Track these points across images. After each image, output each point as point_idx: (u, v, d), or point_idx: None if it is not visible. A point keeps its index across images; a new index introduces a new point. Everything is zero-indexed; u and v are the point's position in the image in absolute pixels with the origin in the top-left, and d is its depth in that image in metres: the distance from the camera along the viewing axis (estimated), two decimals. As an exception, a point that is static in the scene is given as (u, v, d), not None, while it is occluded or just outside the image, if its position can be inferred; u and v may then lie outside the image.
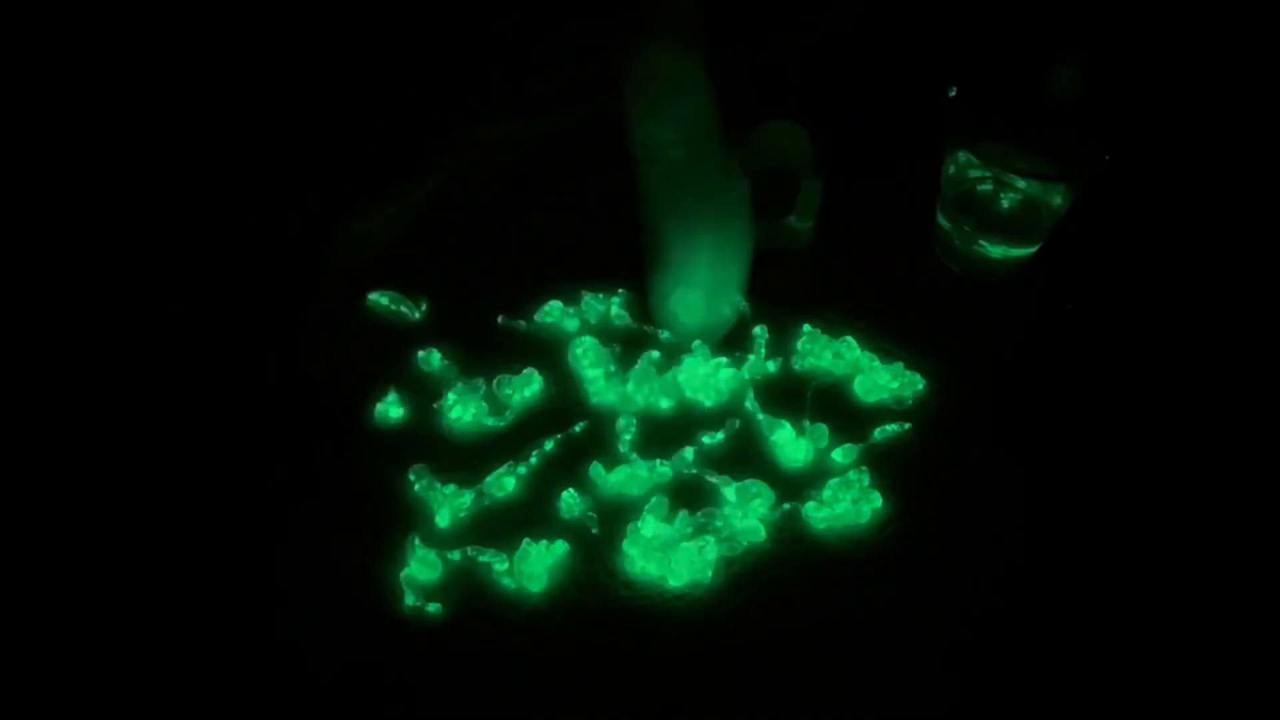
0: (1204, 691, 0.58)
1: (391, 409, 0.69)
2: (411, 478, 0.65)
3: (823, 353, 0.72)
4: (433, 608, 0.60)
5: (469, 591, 0.61)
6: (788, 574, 0.62)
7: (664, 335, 0.73)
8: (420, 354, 0.72)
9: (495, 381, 0.70)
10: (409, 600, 0.60)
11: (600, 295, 0.75)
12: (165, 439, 0.68)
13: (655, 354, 0.71)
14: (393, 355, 0.72)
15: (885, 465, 0.66)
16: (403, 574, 0.61)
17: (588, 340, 0.72)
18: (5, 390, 0.70)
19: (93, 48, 0.84)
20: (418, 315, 0.75)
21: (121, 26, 0.84)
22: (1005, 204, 0.75)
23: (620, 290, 0.75)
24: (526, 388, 0.70)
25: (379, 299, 0.75)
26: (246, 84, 0.86)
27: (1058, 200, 0.72)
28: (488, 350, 0.72)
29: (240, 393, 0.70)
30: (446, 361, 0.72)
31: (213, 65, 0.86)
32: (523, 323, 0.74)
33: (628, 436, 0.68)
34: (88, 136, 0.83)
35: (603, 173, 0.84)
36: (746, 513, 0.64)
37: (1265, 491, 0.65)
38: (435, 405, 0.69)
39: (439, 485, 0.65)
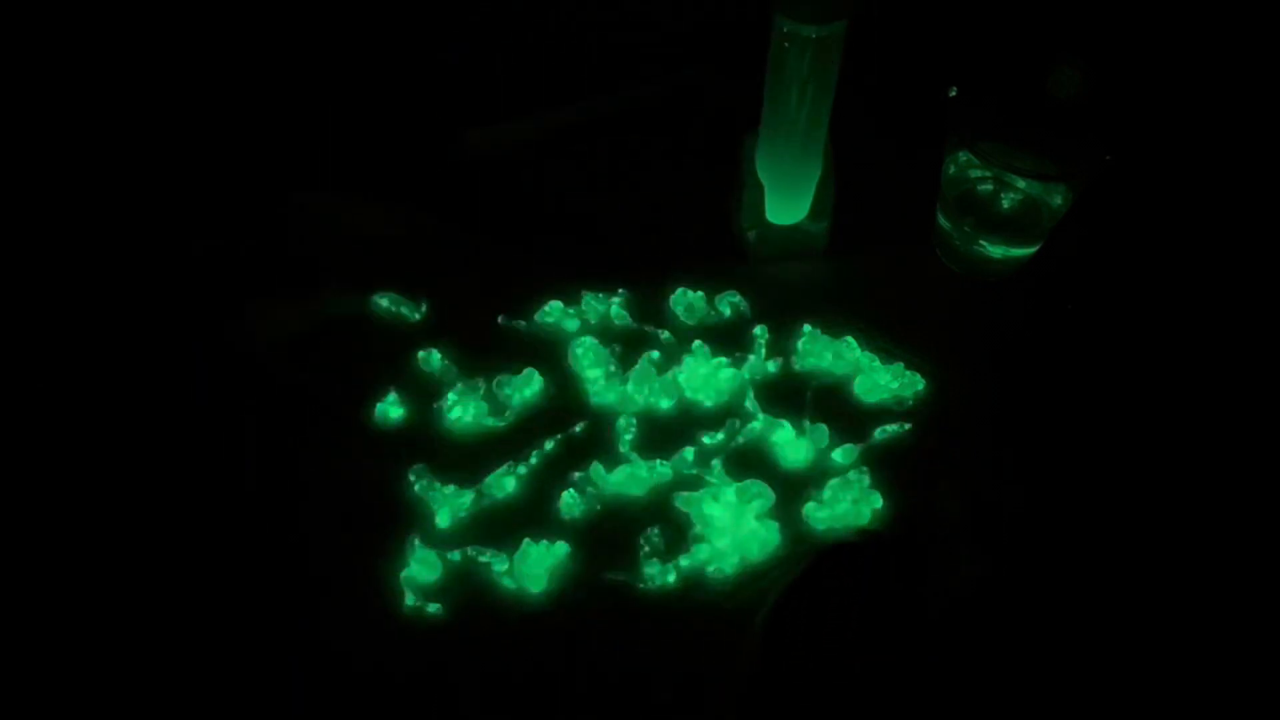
0: (1205, 690, 0.58)
1: (391, 409, 0.69)
2: (411, 478, 0.65)
3: (823, 353, 0.72)
4: (433, 608, 0.60)
5: (469, 591, 0.61)
6: (788, 574, 0.62)
7: (664, 336, 0.73)
8: (420, 354, 0.72)
9: (495, 381, 0.70)
10: (409, 600, 0.60)
11: (600, 295, 0.75)
12: (162, 439, 0.68)
13: (655, 354, 0.71)
14: (393, 355, 0.72)
15: (885, 465, 0.67)
16: (403, 574, 0.61)
17: (588, 340, 0.72)
18: (5, 391, 0.70)
19: (91, 48, 0.84)
20: (418, 315, 0.75)
21: (121, 25, 0.84)
22: (1005, 204, 0.75)
23: (620, 290, 0.75)
24: (526, 388, 0.70)
25: (379, 299, 0.75)
26: (246, 84, 0.86)
27: (1058, 200, 0.72)
28: (488, 350, 0.72)
29: (239, 392, 0.70)
30: (446, 361, 0.72)
31: (213, 65, 0.86)
32: (523, 323, 0.74)
33: (628, 436, 0.68)
34: (86, 135, 0.83)
35: (603, 172, 0.84)
36: (746, 513, 0.64)
37: (1268, 492, 0.65)
38: (435, 405, 0.70)
39: (439, 485, 0.65)
